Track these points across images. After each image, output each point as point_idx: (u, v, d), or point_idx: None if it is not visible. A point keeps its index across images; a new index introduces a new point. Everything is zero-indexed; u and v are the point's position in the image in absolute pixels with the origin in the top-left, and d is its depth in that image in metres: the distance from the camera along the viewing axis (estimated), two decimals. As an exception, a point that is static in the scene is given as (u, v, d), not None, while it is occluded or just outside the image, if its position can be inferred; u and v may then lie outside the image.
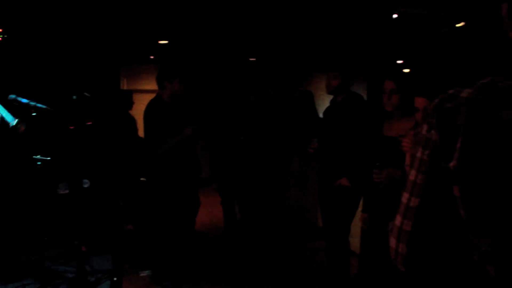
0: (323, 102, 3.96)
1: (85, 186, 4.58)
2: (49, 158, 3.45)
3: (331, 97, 3.83)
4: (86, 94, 4.38)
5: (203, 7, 5.67)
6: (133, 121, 5.65)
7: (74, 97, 4.29)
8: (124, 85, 9.60)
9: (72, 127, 4.26)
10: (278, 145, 4.68)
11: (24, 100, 3.46)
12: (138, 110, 4.51)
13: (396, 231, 1.20)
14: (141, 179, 5.02)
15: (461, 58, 6.64)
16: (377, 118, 3.35)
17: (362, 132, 3.49)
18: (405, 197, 1.19)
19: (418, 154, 1.18)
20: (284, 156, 4.68)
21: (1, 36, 5.03)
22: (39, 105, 3.46)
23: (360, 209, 3.64)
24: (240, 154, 4.75)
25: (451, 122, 1.10)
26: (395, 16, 5.09)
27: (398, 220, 1.18)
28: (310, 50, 6.57)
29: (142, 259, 4.47)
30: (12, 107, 3.44)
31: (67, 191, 4.64)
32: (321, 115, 4.11)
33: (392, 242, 1.19)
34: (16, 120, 3.40)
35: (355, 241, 4.11)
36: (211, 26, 6.41)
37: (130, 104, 5.68)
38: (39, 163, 3.52)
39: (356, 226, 3.78)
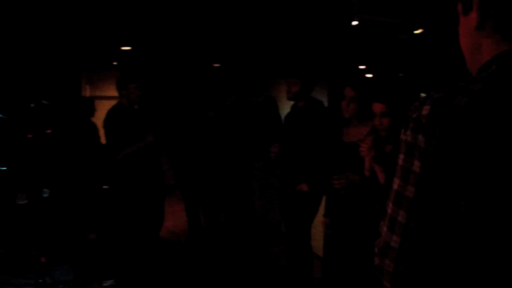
0: (289, 108, 4.00)
1: (45, 195, 4.48)
2: (4, 168, 3.37)
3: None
4: (44, 102, 4.29)
5: (166, 14, 5.64)
6: (94, 128, 5.56)
7: (32, 105, 4.20)
8: (87, 92, 9.45)
9: (30, 136, 4.17)
10: (240, 152, 4.69)
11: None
12: (101, 117, 4.45)
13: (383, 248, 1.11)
14: (104, 187, 4.95)
15: (420, 64, 6.83)
16: (337, 124, 3.41)
17: (322, 138, 3.54)
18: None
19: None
20: (247, 162, 4.70)
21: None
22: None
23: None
24: (203, 160, 4.74)
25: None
26: (355, 23, 5.19)
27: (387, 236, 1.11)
28: (272, 57, 6.63)
29: (105, 269, 4.40)
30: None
31: (26, 201, 4.53)
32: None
33: (378, 260, 1.12)
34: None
35: (320, 244, 4.16)
36: (174, 32, 6.38)
37: (91, 111, 5.60)
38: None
39: (320, 229, 3.82)
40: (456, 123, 1.00)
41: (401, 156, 1.09)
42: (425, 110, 1.05)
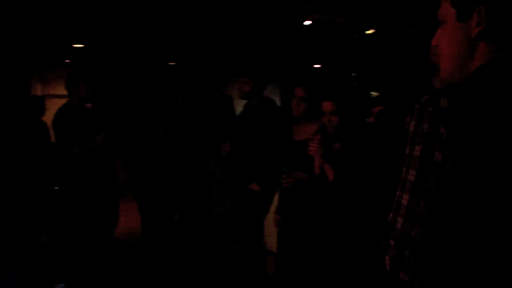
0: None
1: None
2: None
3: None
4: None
5: (120, 11, 5.56)
6: (45, 128, 5.41)
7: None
8: (39, 91, 9.19)
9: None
10: (193, 150, 4.68)
11: None
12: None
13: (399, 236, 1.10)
14: (55, 187, 4.82)
15: (371, 63, 7.00)
16: (288, 123, 3.46)
17: (272, 136, 3.57)
18: (405, 198, 1.10)
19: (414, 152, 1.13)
20: (200, 160, 4.68)
21: None
22: None
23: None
24: (156, 159, 4.70)
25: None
26: (308, 23, 5.26)
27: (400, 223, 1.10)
28: (226, 56, 6.64)
29: (56, 272, 4.30)
30: None
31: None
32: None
33: (394, 252, 1.11)
34: None
35: (274, 241, 4.20)
36: (129, 29, 6.29)
37: (42, 110, 5.45)
38: None
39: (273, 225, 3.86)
40: (473, 115, 1.03)
41: (417, 148, 1.10)
42: (444, 103, 1.08)
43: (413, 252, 1.06)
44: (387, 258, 1.15)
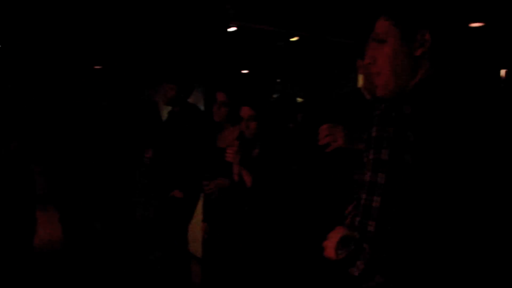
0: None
1: None
2: None
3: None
4: None
5: (41, 12, 5.36)
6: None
7: None
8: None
9: None
10: (116, 156, 4.58)
11: None
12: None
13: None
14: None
15: (296, 70, 7.18)
16: (212, 129, 3.47)
17: (196, 143, 3.57)
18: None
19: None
20: (123, 166, 4.60)
21: None
22: None
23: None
24: (76, 166, 4.57)
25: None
26: (232, 29, 5.31)
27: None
28: (153, 61, 6.56)
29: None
30: None
31: None
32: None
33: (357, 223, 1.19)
34: None
35: (199, 247, 4.19)
36: (51, 31, 6.07)
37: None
38: None
39: (200, 233, 3.86)
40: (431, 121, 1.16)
41: (384, 151, 1.17)
42: (408, 109, 1.18)
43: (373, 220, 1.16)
44: (359, 263, 1.19)
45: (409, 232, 1.14)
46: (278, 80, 7.62)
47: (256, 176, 2.67)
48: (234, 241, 3.03)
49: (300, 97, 6.17)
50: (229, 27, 5.04)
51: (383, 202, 1.16)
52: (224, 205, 3.12)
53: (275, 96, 6.95)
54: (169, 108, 3.96)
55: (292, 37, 6.08)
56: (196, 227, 3.89)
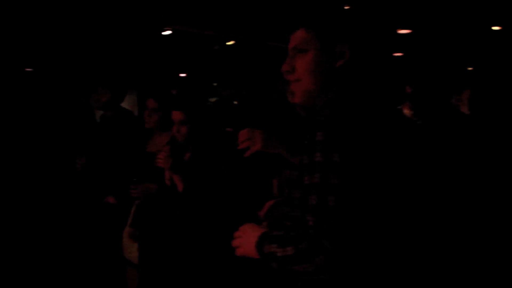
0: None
1: None
2: None
3: None
4: None
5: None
6: None
7: None
8: None
9: None
10: (47, 161, 4.45)
11: None
12: None
13: None
14: None
15: (233, 73, 7.25)
16: (143, 134, 3.45)
17: (128, 148, 3.53)
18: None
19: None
20: (55, 172, 4.47)
21: None
22: None
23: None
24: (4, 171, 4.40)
25: None
26: (167, 32, 5.29)
27: None
28: (87, 64, 6.42)
29: None
30: None
31: None
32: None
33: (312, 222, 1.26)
34: None
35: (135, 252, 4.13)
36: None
37: None
38: None
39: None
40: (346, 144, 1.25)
41: (316, 175, 1.24)
42: (319, 136, 1.25)
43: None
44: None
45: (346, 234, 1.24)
46: (215, 84, 7.64)
47: (187, 180, 2.68)
48: (169, 246, 3.02)
49: (236, 101, 6.22)
50: (164, 30, 5.03)
51: (314, 221, 1.24)
52: (156, 211, 3.11)
53: (213, 99, 6.97)
54: (101, 112, 3.89)
55: (228, 41, 6.13)
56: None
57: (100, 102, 3.71)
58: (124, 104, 3.94)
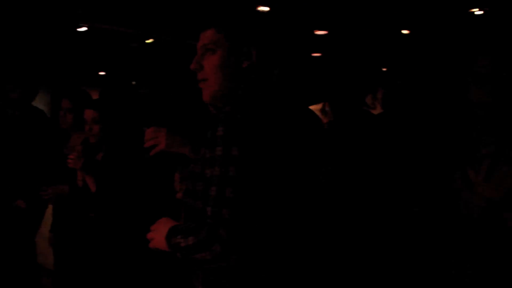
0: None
1: None
2: None
3: None
4: None
5: None
6: None
7: None
8: None
9: None
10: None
11: None
12: None
13: None
14: None
15: (151, 72, 7.17)
16: (56, 135, 3.33)
17: (38, 149, 3.39)
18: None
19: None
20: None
21: None
22: None
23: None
24: None
25: None
26: (83, 29, 5.12)
27: None
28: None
29: None
30: None
31: None
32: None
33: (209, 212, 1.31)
34: None
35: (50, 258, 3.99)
36: None
37: None
38: None
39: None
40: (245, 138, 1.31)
41: (216, 168, 1.29)
42: (220, 131, 1.30)
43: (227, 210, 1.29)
44: (215, 247, 1.30)
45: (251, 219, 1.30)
46: (134, 82, 7.51)
47: (99, 181, 2.62)
48: (84, 249, 2.94)
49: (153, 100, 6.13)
50: (79, 27, 4.86)
51: (212, 211, 1.29)
52: (71, 213, 3.02)
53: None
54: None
55: (147, 39, 6.05)
56: (46, 238, 3.68)
57: (9, 99, 3.52)
58: (38, 104, 3.78)
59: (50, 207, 3.45)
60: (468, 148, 1.48)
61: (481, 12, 5.72)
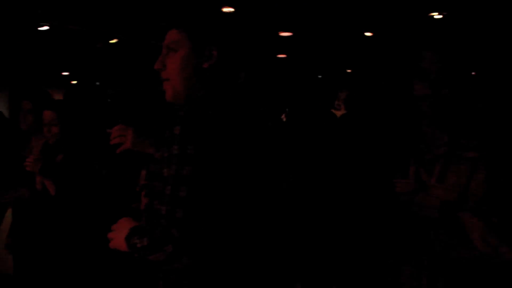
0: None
1: None
2: None
3: None
4: None
5: None
6: None
7: None
8: None
9: None
10: None
11: None
12: None
13: None
14: None
15: (115, 72, 7.10)
16: (18, 137, 3.26)
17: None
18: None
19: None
20: None
21: None
22: None
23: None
24: None
25: None
26: (44, 28, 5.02)
27: None
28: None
29: None
30: None
31: None
32: None
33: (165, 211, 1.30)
34: None
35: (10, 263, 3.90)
36: None
37: None
38: None
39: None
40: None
41: (173, 167, 1.29)
42: (177, 130, 1.30)
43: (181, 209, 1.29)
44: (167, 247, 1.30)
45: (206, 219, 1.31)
46: (98, 83, 7.41)
47: (59, 184, 2.58)
48: (43, 254, 2.89)
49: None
50: (40, 26, 4.75)
51: (167, 210, 1.29)
52: (30, 217, 2.95)
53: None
54: None
55: (111, 39, 5.98)
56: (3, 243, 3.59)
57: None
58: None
59: (10, 211, 3.38)
60: (416, 145, 1.50)
61: (440, 16, 5.87)
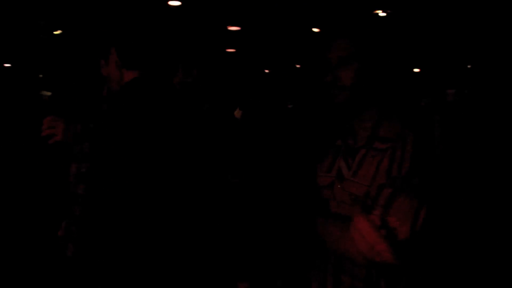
0: None
1: None
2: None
3: None
4: None
5: None
6: None
7: None
8: None
9: None
10: None
11: None
12: None
13: None
14: None
15: (59, 63, 6.91)
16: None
17: None
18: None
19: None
20: None
21: None
22: None
23: None
24: None
25: None
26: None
27: None
28: None
29: None
30: None
31: None
32: None
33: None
34: None
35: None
36: None
37: None
38: None
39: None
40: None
41: (84, 165, 1.34)
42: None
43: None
44: (70, 245, 1.33)
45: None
46: (41, 76, 7.18)
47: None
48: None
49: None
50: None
51: (85, 191, 1.30)
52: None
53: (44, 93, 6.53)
54: None
55: (55, 31, 5.81)
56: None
57: None
58: None
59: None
60: (344, 137, 1.40)
61: (384, 14, 6.02)
